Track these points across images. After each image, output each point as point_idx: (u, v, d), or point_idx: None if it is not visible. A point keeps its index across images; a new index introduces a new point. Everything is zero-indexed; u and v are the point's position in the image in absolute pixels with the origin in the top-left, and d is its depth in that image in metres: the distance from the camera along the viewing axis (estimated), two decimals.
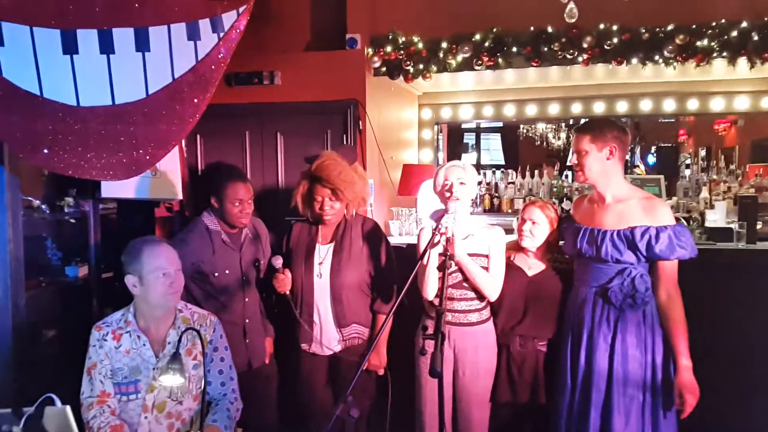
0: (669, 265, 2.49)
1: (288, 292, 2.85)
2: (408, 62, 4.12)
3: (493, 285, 2.74)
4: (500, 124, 6.97)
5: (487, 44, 3.99)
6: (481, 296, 2.77)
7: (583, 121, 4.99)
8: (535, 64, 3.99)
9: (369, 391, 2.96)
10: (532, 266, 2.86)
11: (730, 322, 3.24)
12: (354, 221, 2.99)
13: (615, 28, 3.83)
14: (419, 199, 4.20)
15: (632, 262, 2.50)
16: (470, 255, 2.71)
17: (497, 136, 8.30)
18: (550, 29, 3.89)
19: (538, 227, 2.81)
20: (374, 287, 2.97)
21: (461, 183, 2.74)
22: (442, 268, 2.21)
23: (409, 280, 2.10)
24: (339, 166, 2.87)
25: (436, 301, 2.53)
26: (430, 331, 1.89)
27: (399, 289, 2.85)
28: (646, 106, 4.86)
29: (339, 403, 1.85)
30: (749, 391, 3.24)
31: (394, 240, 4.10)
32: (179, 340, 2.20)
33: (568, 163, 7.02)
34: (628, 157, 6.66)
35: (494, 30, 3.98)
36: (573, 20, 2.12)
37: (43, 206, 3.32)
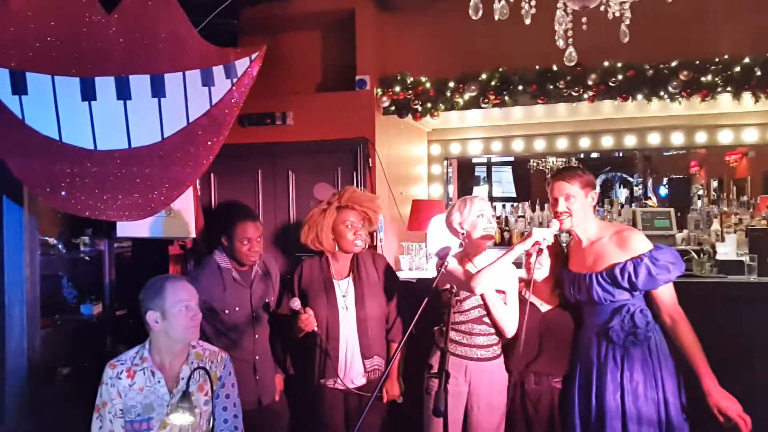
0: (661, 291, 2.48)
1: (316, 329, 2.85)
2: (416, 101, 4.22)
3: (513, 321, 2.75)
4: (511, 158, 7.04)
5: (493, 83, 4.07)
6: (497, 331, 2.78)
7: (594, 155, 5.08)
8: (541, 102, 4.06)
9: (382, 419, 2.96)
10: (545, 302, 2.86)
11: (741, 356, 3.20)
12: (365, 255, 3.06)
13: (619, 65, 3.89)
14: (429, 234, 4.24)
15: (627, 298, 2.51)
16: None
17: (508, 170, 8.36)
18: (555, 68, 3.96)
19: (545, 257, 2.81)
20: (388, 318, 3.02)
21: (493, 215, 2.83)
22: (447, 306, 2.23)
23: (419, 311, 2.13)
24: (366, 194, 3.07)
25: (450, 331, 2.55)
26: (435, 369, 1.91)
27: (406, 321, 2.90)
28: (654, 139, 4.90)
29: None
30: (763, 425, 3.18)
31: (404, 275, 4.13)
32: (189, 378, 2.24)
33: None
34: (641, 190, 6.70)
35: (500, 69, 4.07)
36: (572, 63, 2.18)
37: (60, 245, 3.40)
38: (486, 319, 2.76)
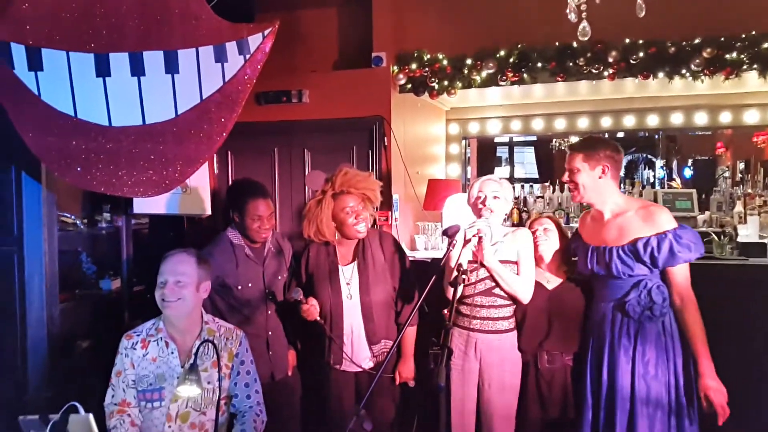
0: (677, 270, 2.47)
1: (318, 318, 2.82)
2: (433, 79, 4.18)
3: (526, 287, 2.75)
4: (533, 138, 6.94)
5: (511, 60, 4.01)
6: (509, 303, 2.78)
7: (620, 134, 4.99)
8: (560, 79, 3.99)
9: (394, 402, 2.96)
10: (551, 280, 2.84)
11: (761, 339, 3.15)
12: (371, 236, 2.99)
13: (641, 42, 3.80)
14: (444, 213, 4.23)
15: (645, 273, 2.49)
16: (500, 262, 2.73)
17: (531, 150, 8.25)
18: (575, 44, 3.89)
19: (551, 232, 2.85)
20: (398, 300, 2.97)
21: (495, 197, 2.78)
22: (454, 283, 2.22)
23: (427, 288, 2.13)
24: (359, 174, 2.93)
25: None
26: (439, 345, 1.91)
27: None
28: (677, 119, 4.80)
29: (352, 416, 1.87)
30: None
31: (420, 254, 4.13)
32: (196, 353, 2.27)
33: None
34: (665, 171, 6.56)
35: (519, 46, 4.01)
36: (586, 38, 2.14)
37: (79, 222, 3.46)
38: (495, 291, 2.75)
